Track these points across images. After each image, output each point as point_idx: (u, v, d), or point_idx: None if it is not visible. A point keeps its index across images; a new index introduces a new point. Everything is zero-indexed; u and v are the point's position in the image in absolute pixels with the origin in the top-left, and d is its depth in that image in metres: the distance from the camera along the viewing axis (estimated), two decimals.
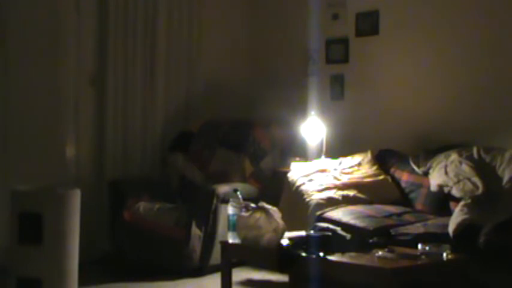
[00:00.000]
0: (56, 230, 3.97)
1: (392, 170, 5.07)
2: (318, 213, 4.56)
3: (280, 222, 3.99)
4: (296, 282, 4.06)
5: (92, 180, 5.58)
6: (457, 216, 4.06)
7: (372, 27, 5.61)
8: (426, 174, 4.81)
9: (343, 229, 4.22)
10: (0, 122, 5.19)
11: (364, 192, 4.86)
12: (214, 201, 4.98)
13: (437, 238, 3.86)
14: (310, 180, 4.96)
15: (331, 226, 4.31)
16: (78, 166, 5.55)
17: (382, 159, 5.16)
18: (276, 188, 5.18)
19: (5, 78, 5.19)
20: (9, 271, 4.04)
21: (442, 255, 3.60)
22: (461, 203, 4.24)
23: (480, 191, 4.36)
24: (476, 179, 4.45)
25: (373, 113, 5.55)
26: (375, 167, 5.07)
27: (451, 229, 3.97)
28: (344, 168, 5.10)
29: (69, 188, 4.22)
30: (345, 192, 4.83)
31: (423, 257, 3.60)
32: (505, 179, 4.40)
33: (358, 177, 5.00)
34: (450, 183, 4.55)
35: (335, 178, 4.98)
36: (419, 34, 5.33)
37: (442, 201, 4.60)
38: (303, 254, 3.72)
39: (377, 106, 5.54)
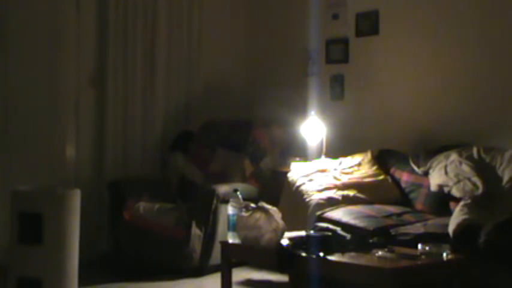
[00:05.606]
0: (56, 230, 3.96)
1: (392, 170, 5.06)
2: (318, 213, 4.55)
3: (280, 222, 3.98)
4: (296, 282, 4.07)
5: (92, 180, 5.58)
6: (457, 216, 4.06)
7: (372, 27, 5.60)
8: (426, 174, 4.80)
9: (343, 229, 4.21)
10: (0, 122, 5.19)
11: (364, 192, 4.85)
12: (214, 201, 4.98)
13: (437, 238, 3.85)
14: (310, 180, 4.96)
15: (331, 226, 4.30)
16: (78, 166, 5.56)
17: (382, 159, 5.15)
18: (276, 188, 5.17)
19: (5, 78, 5.19)
20: (9, 271, 4.03)
21: (442, 255, 3.60)
22: (461, 203, 4.23)
23: (480, 191, 4.35)
24: (476, 179, 4.45)
25: (373, 113, 5.54)
26: (374, 167, 5.07)
27: (451, 229, 3.97)
28: (344, 168, 5.10)
29: (69, 188, 4.22)
30: (345, 192, 4.83)
31: (423, 257, 3.60)
32: (505, 179, 4.39)
33: (358, 177, 4.99)
34: (450, 183, 4.54)
35: (335, 178, 4.98)
36: (419, 34, 5.33)
37: (442, 201, 4.60)
38: (303, 254, 3.71)
39: (377, 106, 5.54)
